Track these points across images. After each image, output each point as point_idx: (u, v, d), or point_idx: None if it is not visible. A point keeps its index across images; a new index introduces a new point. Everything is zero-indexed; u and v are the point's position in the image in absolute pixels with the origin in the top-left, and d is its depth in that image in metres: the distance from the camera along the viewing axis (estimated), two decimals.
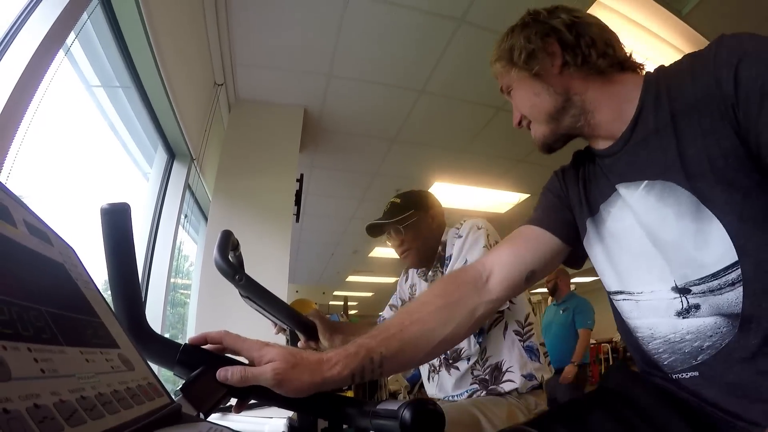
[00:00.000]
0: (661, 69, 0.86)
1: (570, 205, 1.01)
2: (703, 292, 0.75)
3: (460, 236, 1.57)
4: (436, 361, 1.63)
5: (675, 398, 0.81)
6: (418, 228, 1.69)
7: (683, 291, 0.77)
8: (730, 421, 0.72)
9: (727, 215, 0.70)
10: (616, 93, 0.87)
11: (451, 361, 1.55)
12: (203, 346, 0.70)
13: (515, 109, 1.00)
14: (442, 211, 1.77)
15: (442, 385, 1.58)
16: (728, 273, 0.71)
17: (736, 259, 0.70)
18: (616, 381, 0.91)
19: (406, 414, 0.51)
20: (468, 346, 1.52)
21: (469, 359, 1.51)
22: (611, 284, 0.92)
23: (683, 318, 0.78)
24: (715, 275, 0.72)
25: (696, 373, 0.77)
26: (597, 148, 0.94)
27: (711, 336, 0.75)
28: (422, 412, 0.51)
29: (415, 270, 1.83)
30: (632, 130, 0.84)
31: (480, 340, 1.51)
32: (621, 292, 0.89)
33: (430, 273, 1.70)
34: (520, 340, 1.47)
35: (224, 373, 0.64)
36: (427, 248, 1.68)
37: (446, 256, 1.61)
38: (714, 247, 0.72)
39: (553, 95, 0.91)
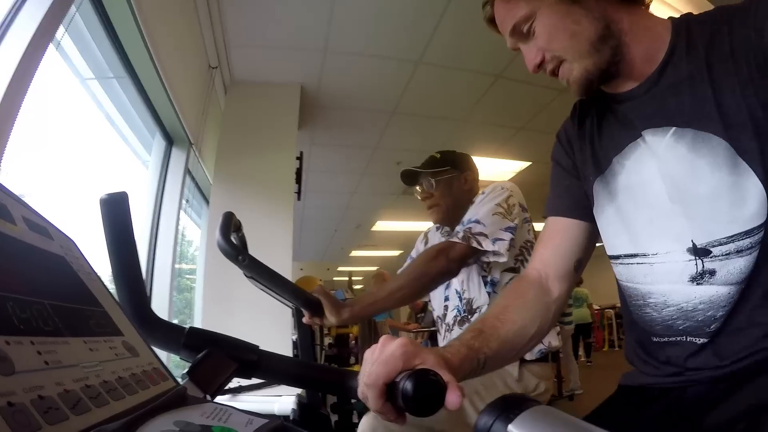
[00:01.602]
0: (690, 16, 0.81)
1: (578, 170, 0.98)
2: (726, 254, 0.72)
3: (482, 193, 1.60)
4: (450, 319, 1.66)
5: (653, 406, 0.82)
6: (450, 185, 1.71)
7: (702, 252, 0.75)
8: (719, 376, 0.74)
9: (767, 170, 0.68)
10: (647, 28, 0.81)
11: (469, 316, 1.58)
12: None
13: (538, 47, 0.84)
14: (478, 177, 1.79)
15: None
16: (761, 231, 0.69)
17: None
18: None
19: (407, 385, 0.52)
20: (479, 295, 1.55)
21: (480, 310, 1.53)
22: (622, 247, 0.88)
23: (696, 284, 0.76)
24: (748, 233, 0.70)
25: (706, 340, 0.76)
26: (616, 90, 0.87)
27: (724, 306, 0.74)
28: (423, 383, 0.52)
29: (437, 229, 1.85)
30: (660, 74, 0.79)
31: (490, 291, 1.53)
32: (634, 255, 0.85)
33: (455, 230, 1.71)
34: None
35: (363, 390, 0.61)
36: (455, 207, 1.69)
37: None
38: (751, 202, 0.69)
39: (593, 21, 0.79)
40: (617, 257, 0.90)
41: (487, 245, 1.43)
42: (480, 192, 1.66)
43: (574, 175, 0.99)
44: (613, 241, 0.91)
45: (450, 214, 1.70)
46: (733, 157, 0.70)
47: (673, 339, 0.81)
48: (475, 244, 1.43)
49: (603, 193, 0.91)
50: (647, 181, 0.82)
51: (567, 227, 0.99)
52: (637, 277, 0.86)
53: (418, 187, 1.76)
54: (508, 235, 1.47)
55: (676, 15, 0.83)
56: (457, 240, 1.45)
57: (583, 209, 0.97)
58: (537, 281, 0.96)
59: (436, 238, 1.82)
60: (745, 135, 0.69)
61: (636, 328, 0.90)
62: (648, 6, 0.85)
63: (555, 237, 1.01)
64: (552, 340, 1.50)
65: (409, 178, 1.77)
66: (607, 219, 0.91)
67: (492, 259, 1.47)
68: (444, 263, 1.42)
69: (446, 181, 1.71)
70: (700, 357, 0.77)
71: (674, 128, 0.77)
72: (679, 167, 0.76)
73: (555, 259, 0.98)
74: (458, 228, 1.52)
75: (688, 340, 0.79)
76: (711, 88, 0.73)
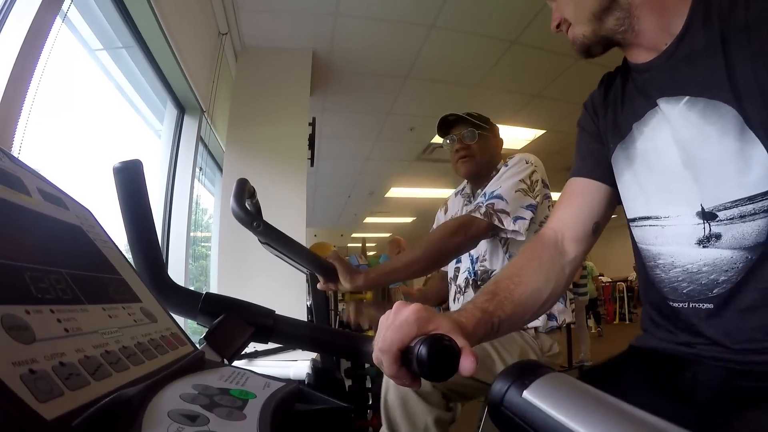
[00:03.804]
0: None
1: (602, 137, 1.00)
2: (730, 218, 0.74)
3: (506, 165, 1.60)
4: (462, 282, 1.68)
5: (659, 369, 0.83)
6: (487, 141, 1.73)
7: (708, 216, 0.77)
8: (730, 358, 0.74)
9: None
10: (664, 2, 0.84)
11: (480, 282, 1.59)
12: None
13: (555, 10, 0.94)
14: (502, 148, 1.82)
15: None
16: (765, 198, 0.71)
17: None
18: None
19: (422, 350, 0.52)
20: (499, 268, 1.56)
21: None
22: (639, 209, 0.91)
23: (703, 247, 0.78)
24: (751, 198, 0.72)
25: (711, 306, 0.78)
26: (636, 61, 0.91)
27: (726, 271, 0.75)
28: (438, 348, 0.52)
29: (455, 195, 1.87)
30: (677, 45, 0.82)
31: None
32: (648, 218, 0.88)
33: (478, 192, 1.72)
34: None
35: (377, 355, 0.61)
36: (484, 164, 1.71)
37: None
38: (755, 169, 0.71)
39: None
40: (633, 220, 0.93)
41: (508, 224, 1.44)
42: (503, 162, 1.65)
43: (599, 140, 1.01)
44: (630, 204, 0.93)
45: (479, 170, 1.71)
46: (741, 125, 0.72)
47: (680, 305, 0.83)
48: (496, 222, 1.44)
49: (622, 158, 0.93)
50: (661, 147, 0.84)
51: (588, 188, 1.00)
52: (649, 239, 0.89)
53: (455, 135, 1.74)
54: (529, 214, 1.47)
55: None
56: (478, 216, 1.45)
57: (605, 171, 0.98)
58: (552, 242, 0.98)
59: (457, 205, 1.82)
60: (753, 105, 0.71)
61: (651, 291, 0.91)
62: None
63: (575, 198, 1.02)
64: (566, 316, 1.51)
65: (448, 125, 1.77)
66: (625, 183, 0.94)
67: (510, 236, 1.48)
68: (463, 238, 1.43)
69: (485, 137, 1.72)
70: (710, 327, 0.78)
71: (687, 97, 0.79)
72: (690, 133, 0.79)
73: (573, 220, 0.99)
74: (480, 200, 1.52)
75: (691, 306, 0.81)
76: (724, 59, 0.74)
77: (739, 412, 0.70)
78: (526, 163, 1.58)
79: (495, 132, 1.77)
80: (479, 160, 1.70)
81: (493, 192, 1.51)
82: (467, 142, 1.70)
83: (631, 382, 0.87)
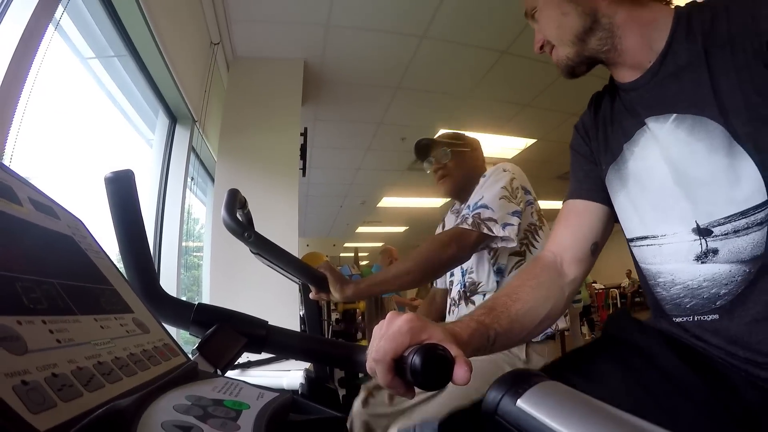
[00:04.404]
0: (693, 4, 0.84)
1: (595, 158, 1.01)
2: (725, 234, 0.75)
3: (485, 176, 1.61)
4: (456, 295, 1.68)
5: (678, 343, 0.82)
6: (463, 158, 1.75)
7: (704, 232, 0.77)
8: (738, 365, 0.74)
9: (760, 153, 0.70)
10: (646, 20, 0.85)
11: (468, 294, 1.59)
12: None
13: (538, 32, 0.97)
14: (484, 162, 1.83)
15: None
16: (757, 212, 0.71)
17: (767, 198, 0.70)
18: (619, 328, 0.92)
19: (416, 359, 0.52)
20: (486, 281, 1.56)
21: (485, 294, 1.54)
22: (635, 230, 0.91)
23: (701, 263, 0.79)
24: (744, 213, 0.72)
25: (716, 316, 0.77)
26: (622, 80, 0.92)
27: (726, 284, 0.76)
28: (431, 357, 0.52)
29: (451, 212, 1.89)
30: (661, 63, 0.83)
31: (498, 279, 1.54)
32: (645, 237, 0.89)
33: (464, 206, 1.73)
34: None
35: (371, 365, 0.62)
36: (464, 182, 1.73)
37: None
38: (745, 184, 0.71)
39: (581, 15, 0.88)
40: (632, 240, 0.93)
41: (497, 231, 1.44)
42: (481, 175, 1.66)
43: (592, 161, 1.02)
44: (626, 224, 0.94)
45: (460, 186, 1.73)
46: (729, 140, 0.72)
47: (685, 319, 0.83)
48: (486, 231, 1.44)
49: (615, 179, 0.94)
50: (652, 166, 0.85)
51: (585, 210, 1.01)
52: (648, 258, 0.89)
53: (432, 157, 1.77)
54: (515, 220, 1.47)
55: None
56: (467, 227, 1.45)
57: (601, 192, 0.99)
58: (552, 264, 0.97)
59: (451, 222, 1.83)
60: (739, 119, 0.72)
61: (657, 309, 0.91)
62: None
63: (572, 219, 1.02)
64: (559, 322, 1.51)
65: (423, 150, 1.79)
66: (620, 204, 0.94)
67: (501, 245, 1.48)
68: (455, 251, 1.42)
69: (460, 153, 1.74)
70: (716, 338, 0.78)
71: (675, 115, 0.80)
72: (679, 151, 0.79)
73: (572, 242, 0.99)
74: (465, 212, 1.52)
75: (696, 319, 0.81)
76: (708, 74, 0.75)
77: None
78: (504, 171, 1.58)
79: (473, 146, 1.78)
80: (457, 177, 1.73)
81: (476, 202, 1.50)
82: (443, 162, 1.73)
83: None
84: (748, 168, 0.71)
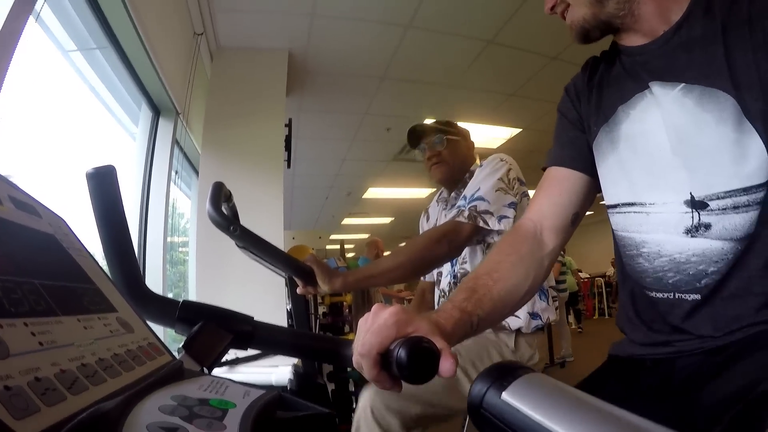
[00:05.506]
0: None
1: (583, 124, 0.99)
2: (723, 209, 0.74)
3: (481, 166, 1.61)
4: (446, 286, 1.69)
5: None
6: (457, 146, 1.76)
7: (699, 205, 0.76)
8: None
9: None
10: None
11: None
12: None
13: None
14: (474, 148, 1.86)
15: None
16: (759, 191, 0.71)
17: None
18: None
19: (401, 353, 0.52)
20: None
21: None
22: (622, 195, 0.89)
23: (691, 237, 0.78)
24: (746, 190, 0.72)
25: (698, 297, 0.77)
26: (629, 44, 0.89)
27: (716, 261, 0.75)
28: (417, 351, 0.52)
29: (437, 203, 1.88)
30: (675, 32, 0.81)
31: None
32: (632, 204, 0.87)
33: (452, 195, 1.76)
34: None
35: (357, 359, 0.61)
36: (457, 169, 1.75)
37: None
38: (752, 160, 0.71)
39: None
40: (615, 206, 0.91)
41: (493, 224, 1.44)
42: (478, 164, 1.67)
43: (579, 128, 1.00)
44: (612, 189, 0.92)
45: (451, 173, 1.74)
46: (739, 114, 0.72)
47: (664, 296, 0.82)
48: (481, 224, 1.44)
49: (605, 142, 0.91)
50: (650, 130, 0.83)
51: (568, 178, 0.99)
52: (633, 226, 0.87)
53: (425, 144, 1.77)
54: (511, 212, 1.48)
55: None
56: (463, 220, 1.45)
57: (585, 161, 0.97)
58: (532, 233, 0.96)
59: (437, 211, 1.83)
60: (752, 95, 0.71)
61: (629, 282, 0.90)
62: None
63: (554, 187, 1.00)
64: (550, 314, 1.52)
65: (416, 136, 1.80)
66: (608, 167, 0.92)
67: (496, 238, 1.48)
68: (446, 248, 1.43)
69: (455, 142, 1.75)
70: (693, 320, 0.78)
71: (683, 84, 0.78)
72: (684, 119, 0.77)
73: (553, 210, 0.98)
74: (461, 203, 1.52)
75: (677, 297, 0.80)
76: (723, 48, 0.74)
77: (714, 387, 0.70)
78: (501, 161, 1.58)
79: (464, 135, 1.80)
80: (451, 164, 1.74)
81: (473, 194, 1.51)
82: (437, 149, 1.74)
83: (613, 396, 0.86)
84: (756, 145, 0.70)
